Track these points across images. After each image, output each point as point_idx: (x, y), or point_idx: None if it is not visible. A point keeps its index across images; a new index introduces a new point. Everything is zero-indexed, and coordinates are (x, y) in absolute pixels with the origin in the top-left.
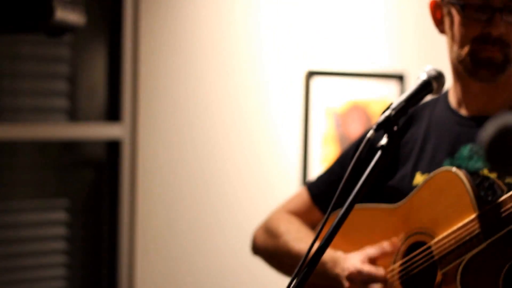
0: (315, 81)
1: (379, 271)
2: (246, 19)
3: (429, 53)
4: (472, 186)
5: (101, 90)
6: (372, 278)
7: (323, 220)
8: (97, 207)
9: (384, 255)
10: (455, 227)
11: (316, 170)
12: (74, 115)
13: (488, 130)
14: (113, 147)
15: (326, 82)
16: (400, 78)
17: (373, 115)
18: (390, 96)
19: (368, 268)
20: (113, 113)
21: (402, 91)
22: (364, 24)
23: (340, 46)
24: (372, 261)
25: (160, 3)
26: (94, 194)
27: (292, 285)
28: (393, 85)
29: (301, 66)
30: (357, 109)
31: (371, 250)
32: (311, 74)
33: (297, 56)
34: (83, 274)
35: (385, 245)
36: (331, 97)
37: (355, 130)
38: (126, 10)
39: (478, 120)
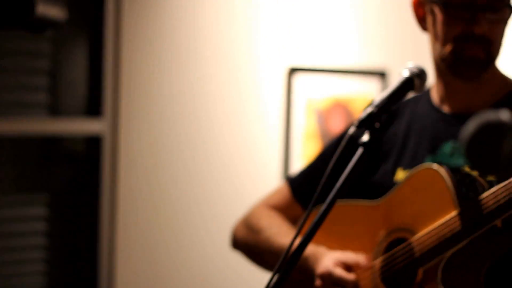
0: (297, 77)
1: (349, 276)
2: (228, 15)
3: (410, 50)
4: (453, 183)
5: (82, 85)
6: (341, 281)
7: (304, 216)
8: (77, 202)
9: (356, 264)
10: (436, 224)
11: (297, 166)
12: (55, 110)
13: (469, 127)
14: (94, 142)
15: (308, 78)
16: (381, 74)
17: (354, 111)
18: (372, 92)
19: (339, 271)
20: (94, 108)
21: (383, 87)
22: (346, 21)
23: (322, 42)
24: (345, 265)
25: (142, 4)
26: (74, 189)
27: (273, 280)
28: (374, 81)
29: (283, 62)
30: (339, 105)
31: (347, 256)
32: (293, 70)
33: (279, 52)
34: (63, 270)
35: (361, 258)
36: (313, 94)
37: (336, 126)
38: (108, 4)
39: (460, 118)
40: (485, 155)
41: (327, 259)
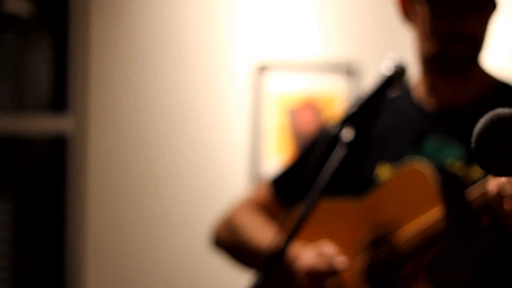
0: (266, 75)
1: (333, 266)
2: (197, 12)
3: (380, 47)
4: (437, 180)
5: (47, 79)
6: (328, 274)
7: (287, 214)
8: (42, 209)
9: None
10: (420, 221)
11: (265, 163)
12: (19, 106)
13: (480, 126)
14: (59, 141)
15: (277, 76)
16: (350, 71)
17: (323, 108)
18: (341, 89)
19: (323, 264)
20: (59, 103)
21: (353, 84)
22: (316, 19)
23: (292, 40)
24: (328, 257)
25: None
26: (38, 194)
27: (257, 280)
28: (344, 78)
29: (252, 59)
30: (308, 102)
31: (327, 247)
32: (262, 68)
33: (247, 49)
34: (29, 277)
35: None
36: (282, 91)
37: (306, 123)
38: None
39: (443, 114)
40: (499, 155)
41: (307, 254)
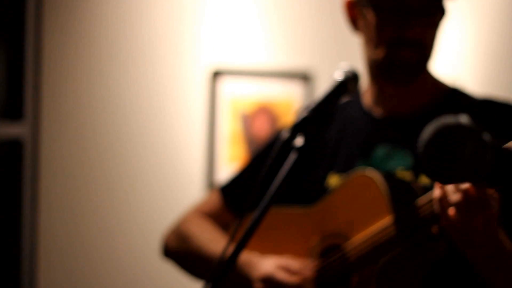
0: (221, 80)
1: (292, 278)
2: (150, 18)
3: (336, 53)
4: (387, 189)
5: (2, 89)
6: (284, 284)
7: (237, 223)
8: None
9: (296, 268)
10: (370, 230)
11: (222, 171)
12: None
13: (425, 134)
14: (14, 146)
15: (232, 81)
16: (306, 77)
17: (279, 114)
18: (296, 95)
19: (281, 274)
20: (15, 111)
21: (308, 90)
22: (270, 24)
23: (247, 46)
24: (286, 269)
25: (64, 2)
26: None
27: None
28: (299, 84)
29: (206, 65)
30: (263, 108)
31: (287, 260)
32: (216, 73)
33: (202, 55)
34: None
35: (300, 262)
36: (237, 97)
37: (261, 130)
38: (29, 5)
39: (392, 121)
40: (446, 162)
41: (267, 263)
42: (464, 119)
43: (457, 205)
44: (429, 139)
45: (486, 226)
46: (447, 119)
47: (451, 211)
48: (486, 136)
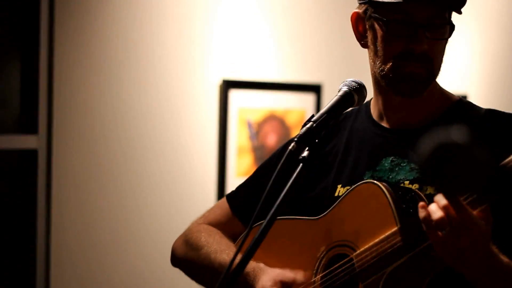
0: (232, 91)
1: None
2: (162, 29)
3: (346, 65)
4: (393, 199)
5: (17, 105)
6: None
7: (245, 233)
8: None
9: (294, 282)
10: (376, 240)
11: (233, 181)
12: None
13: (422, 151)
14: (29, 157)
15: (243, 92)
16: (317, 88)
17: (290, 126)
18: (307, 106)
19: None
20: (30, 126)
21: (318, 101)
22: (283, 35)
23: (258, 56)
24: (284, 283)
25: (75, 18)
26: (10, 201)
27: None
28: (309, 95)
29: (217, 76)
30: (274, 119)
31: (286, 274)
32: (227, 84)
33: (213, 66)
34: None
35: (299, 275)
36: (248, 108)
37: (272, 141)
38: (42, 22)
39: (399, 133)
40: (449, 176)
41: (265, 278)
42: (455, 135)
43: (439, 224)
44: (427, 158)
45: (474, 245)
46: (440, 136)
47: (437, 231)
48: (479, 151)
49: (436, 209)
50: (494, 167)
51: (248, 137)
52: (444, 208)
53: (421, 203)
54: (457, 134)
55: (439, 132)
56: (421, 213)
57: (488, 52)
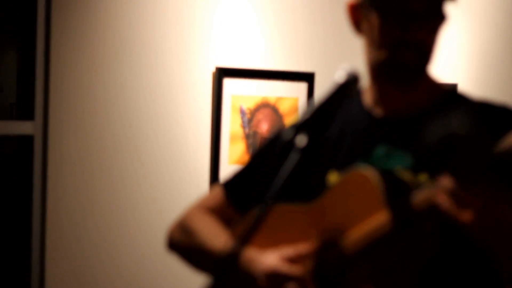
0: (225, 79)
1: (296, 270)
2: (155, 19)
3: (338, 54)
4: (383, 185)
5: (14, 92)
6: (289, 277)
7: (240, 218)
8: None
9: (299, 256)
10: (365, 225)
11: (225, 168)
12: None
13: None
14: (26, 143)
15: (236, 80)
16: (309, 77)
17: (282, 113)
18: (299, 94)
19: (286, 267)
20: (26, 112)
21: (311, 90)
22: (276, 24)
23: (251, 44)
24: (289, 260)
25: (71, 5)
26: (7, 184)
27: (210, 283)
28: (302, 84)
29: (211, 63)
30: (267, 107)
31: (288, 250)
32: (221, 72)
33: (207, 53)
34: None
35: (301, 247)
36: (241, 95)
37: (264, 128)
38: (39, 9)
39: (392, 121)
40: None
41: (269, 257)
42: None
43: (463, 202)
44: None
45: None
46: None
47: (466, 212)
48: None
49: (451, 192)
50: (487, 154)
51: (241, 125)
52: (458, 189)
53: (439, 195)
54: (451, 122)
55: (433, 121)
56: (442, 202)
57: (477, 42)
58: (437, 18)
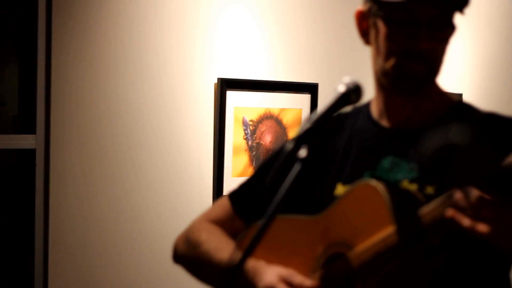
0: (227, 91)
1: None
2: (158, 30)
3: (341, 65)
4: (390, 199)
5: (16, 106)
6: None
7: (244, 231)
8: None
9: (300, 285)
10: (373, 239)
11: (229, 181)
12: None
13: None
14: (27, 157)
15: (239, 92)
16: (312, 88)
17: (286, 125)
18: (303, 106)
19: (283, 287)
20: (28, 125)
21: (314, 101)
22: (279, 35)
23: (254, 55)
24: (289, 282)
25: (72, 18)
26: (10, 197)
27: None
28: (305, 95)
29: (214, 75)
30: (270, 118)
31: (291, 273)
32: (223, 83)
33: (210, 65)
34: None
35: (303, 279)
36: (244, 107)
37: (267, 140)
38: (39, 22)
39: (399, 133)
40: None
41: (270, 273)
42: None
43: (480, 214)
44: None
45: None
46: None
47: (483, 224)
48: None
49: (466, 205)
50: (494, 167)
51: (244, 137)
52: (471, 203)
53: (450, 211)
54: (458, 134)
55: (440, 133)
56: (457, 217)
57: (481, 52)
58: (446, 28)
